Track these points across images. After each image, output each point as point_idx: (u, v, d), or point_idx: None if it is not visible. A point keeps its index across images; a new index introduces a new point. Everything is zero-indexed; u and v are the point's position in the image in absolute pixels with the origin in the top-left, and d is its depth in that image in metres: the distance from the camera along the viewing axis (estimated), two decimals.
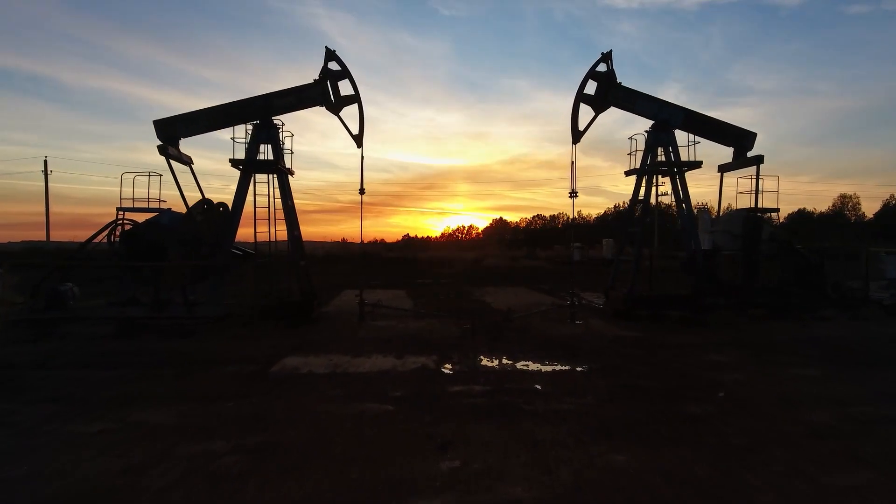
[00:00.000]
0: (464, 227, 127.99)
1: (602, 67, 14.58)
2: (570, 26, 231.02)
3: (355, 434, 6.02)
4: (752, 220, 14.86)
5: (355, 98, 14.39)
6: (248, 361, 9.76)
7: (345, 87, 14.33)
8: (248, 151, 13.82)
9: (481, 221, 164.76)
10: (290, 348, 10.88)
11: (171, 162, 13.51)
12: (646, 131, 15.30)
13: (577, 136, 14.86)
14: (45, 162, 44.52)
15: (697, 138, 15.05)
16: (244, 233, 14.03)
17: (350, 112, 14.51)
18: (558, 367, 9.44)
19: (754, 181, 14.99)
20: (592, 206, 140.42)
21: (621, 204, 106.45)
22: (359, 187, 14.58)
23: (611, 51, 14.59)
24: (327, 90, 14.17)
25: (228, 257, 13.91)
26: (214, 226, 13.86)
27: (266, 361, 9.74)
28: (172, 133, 13.61)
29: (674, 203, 15.46)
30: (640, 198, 15.40)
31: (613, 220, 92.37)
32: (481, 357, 10.27)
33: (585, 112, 14.82)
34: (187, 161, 14.37)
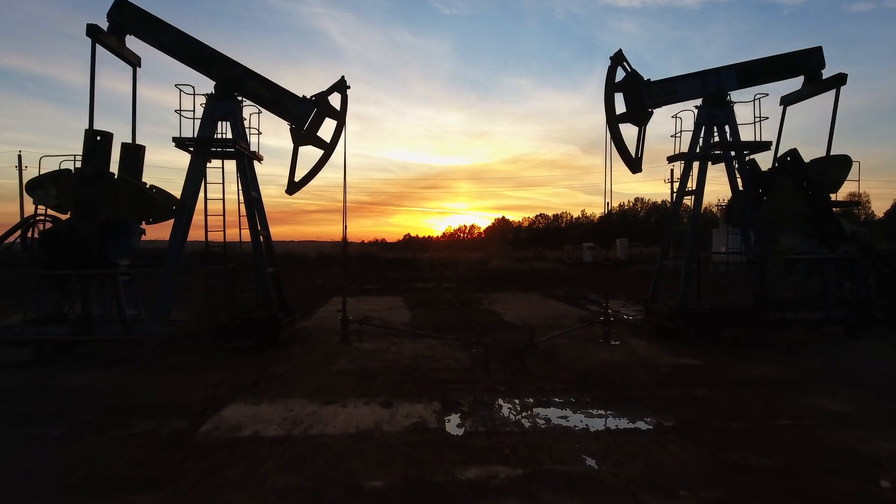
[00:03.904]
0: (465, 226, 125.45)
1: (621, 73, 11.84)
2: (572, 25, 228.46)
3: None
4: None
5: (327, 147, 11.56)
6: (174, 411, 6.98)
7: (326, 129, 11.61)
8: (200, 128, 10.86)
9: (483, 221, 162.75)
10: (240, 388, 8.08)
11: (98, 51, 10.26)
12: (695, 107, 12.47)
13: (634, 164, 11.96)
14: (20, 157, 41.80)
15: (763, 108, 12.16)
16: (195, 234, 11.10)
17: (309, 154, 11.85)
18: (613, 423, 6.63)
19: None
20: (596, 205, 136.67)
21: (626, 203, 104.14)
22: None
23: (620, 50, 11.84)
24: (308, 117, 11.37)
25: (180, 263, 11.10)
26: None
27: (199, 412, 6.96)
28: (124, 19, 10.62)
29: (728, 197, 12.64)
30: (688, 188, 12.50)
31: (618, 220, 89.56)
32: (501, 402, 7.46)
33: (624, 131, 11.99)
34: (134, 61, 11.45)
